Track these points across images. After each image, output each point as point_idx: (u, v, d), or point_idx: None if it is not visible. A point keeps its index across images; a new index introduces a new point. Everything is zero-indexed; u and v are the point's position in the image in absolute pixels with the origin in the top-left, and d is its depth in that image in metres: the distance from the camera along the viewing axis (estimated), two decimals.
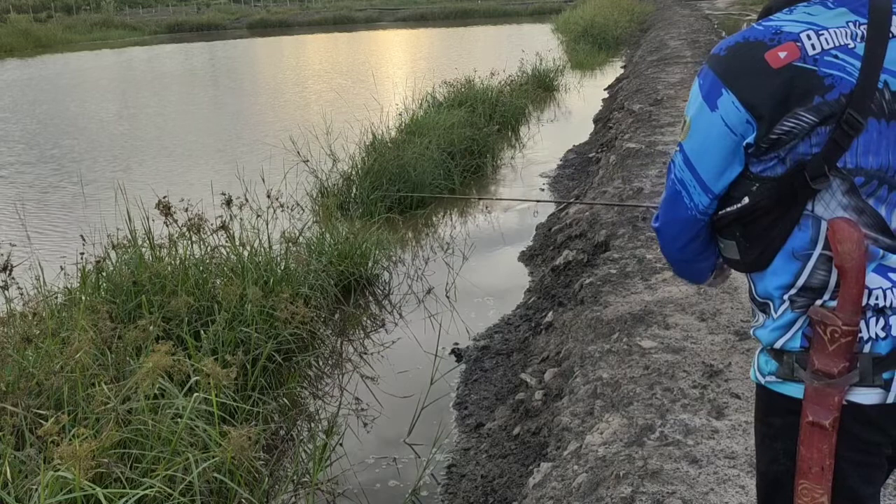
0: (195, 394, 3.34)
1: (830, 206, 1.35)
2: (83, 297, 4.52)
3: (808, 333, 1.38)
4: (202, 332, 4.30)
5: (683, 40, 17.52)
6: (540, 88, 14.85)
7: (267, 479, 3.58)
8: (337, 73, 21.00)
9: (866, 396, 1.35)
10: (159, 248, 5.05)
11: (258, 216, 5.56)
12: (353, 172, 8.06)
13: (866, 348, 1.35)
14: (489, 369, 4.71)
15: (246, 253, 5.20)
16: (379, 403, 4.46)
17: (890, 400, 1.35)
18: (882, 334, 1.35)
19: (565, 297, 5.03)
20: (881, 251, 1.35)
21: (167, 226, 4.99)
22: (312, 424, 4.30)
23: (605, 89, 15.41)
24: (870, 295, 1.35)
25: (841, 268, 1.33)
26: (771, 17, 1.39)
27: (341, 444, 3.99)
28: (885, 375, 1.35)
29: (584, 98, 14.93)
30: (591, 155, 9.74)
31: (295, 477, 3.76)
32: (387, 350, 5.15)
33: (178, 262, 4.90)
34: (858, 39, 1.33)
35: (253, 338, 4.35)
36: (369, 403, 4.47)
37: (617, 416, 3.17)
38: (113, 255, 4.95)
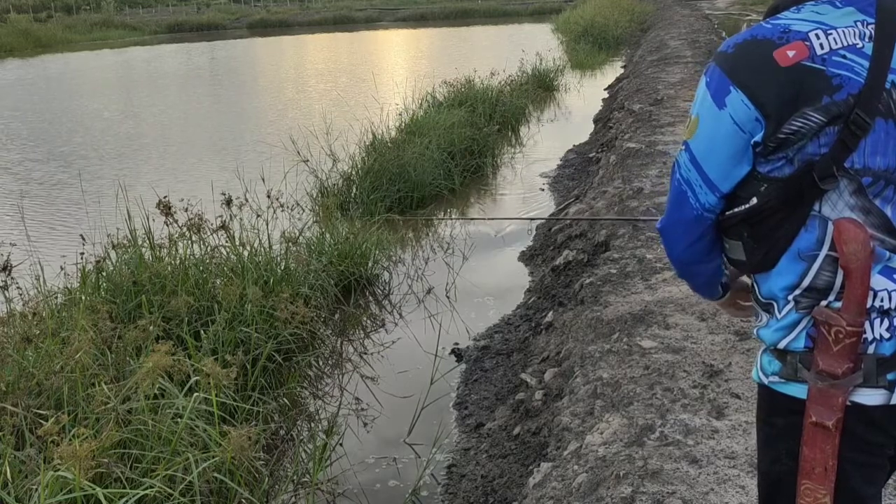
0: (195, 394, 3.34)
1: (838, 206, 1.34)
2: (83, 297, 4.52)
3: (813, 334, 1.38)
4: (202, 332, 4.30)
5: (683, 40, 17.52)
6: (540, 88, 14.85)
7: (267, 479, 3.58)
8: (337, 73, 21.01)
9: (870, 397, 1.35)
10: (159, 247, 5.05)
11: (258, 216, 5.56)
12: (353, 172, 8.06)
13: (871, 349, 1.35)
14: (489, 369, 4.71)
15: (246, 253, 5.20)
16: (379, 403, 4.46)
17: (894, 401, 1.35)
18: (887, 335, 1.35)
19: (565, 297, 5.03)
20: (887, 253, 1.35)
21: (167, 226, 4.99)
22: (312, 424, 4.30)
23: (605, 89, 15.41)
24: (875, 297, 1.34)
25: (846, 268, 1.32)
26: (778, 15, 1.38)
27: (341, 444, 3.99)
28: (890, 376, 1.35)
29: (584, 98, 14.93)
30: (591, 155, 9.74)
31: (295, 477, 3.76)
32: (387, 350, 5.15)
33: (178, 262, 4.90)
34: (867, 39, 1.32)
35: (253, 338, 4.35)
36: (369, 403, 4.47)
37: (617, 416, 3.17)
38: (113, 254, 4.95)
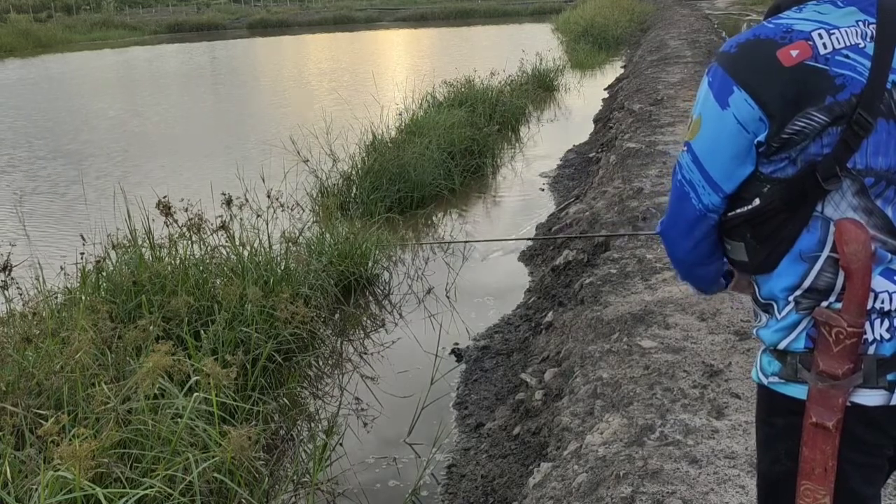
0: (195, 394, 3.34)
1: (840, 207, 1.34)
2: (83, 297, 4.51)
3: (813, 335, 1.38)
4: (202, 332, 4.30)
5: (683, 40, 17.52)
6: (540, 88, 14.85)
7: (267, 479, 3.58)
8: (337, 73, 21.00)
9: (870, 398, 1.35)
10: (159, 247, 5.04)
11: (258, 216, 5.56)
12: (353, 172, 8.06)
13: (871, 350, 1.35)
14: (489, 369, 4.71)
15: (246, 253, 5.20)
16: (379, 403, 4.46)
17: (894, 401, 1.35)
18: (887, 336, 1.35)
19: (565, 297, 5.03)
20: (889, 255, 1.35)
21: (167, 226, 4.99)
22: (312, 424, 4.30)
23: (605, 89, 15.41)
24: (876, 298, 1.34)
25: (847, 269, 1.32)
26: (780, 15, 1.38)
27: (341, 444, 3.99)
28: (890, 377, 1.35)
29: (584, 98, 14.93)
30: (591, 155, 9.74)
31: (295, 477, 3.76)
32: (387, 350, 5.15)
33: (178, 262, 4.90)
34: (868, 39, 1.32)
35: (253, 338, 4.35)
36: (369, 403, 4.47)
37: (617, 416, 3.17)
38: (113, 254, 4.95)
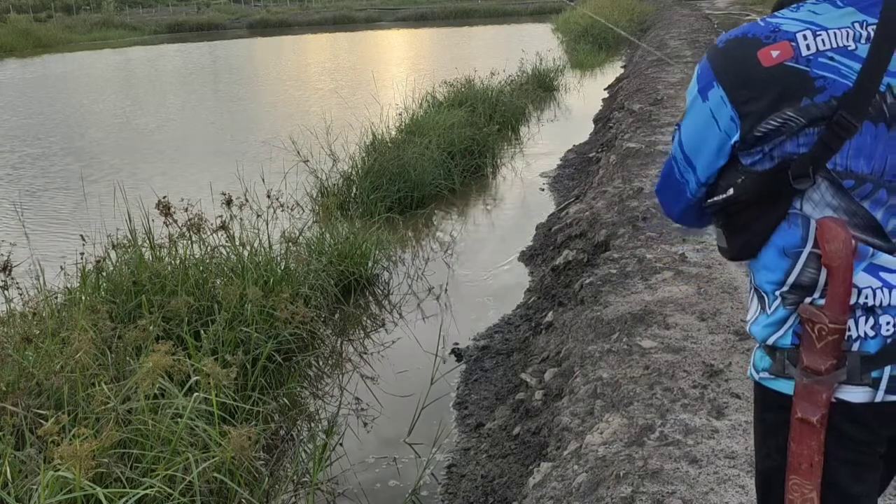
0: (195, 394, 3.34)
1: (819, 206, 1.35)
2: (83, 297, 4.52)
3: (799, 331, 1.39)
4: (202, 332, 4.29)
5: (683, 40, 17.51)
6: (540, 88, 14.85)
7: (267, 479, 3.58)
8: (337, 73, 21.00)
9: (854, 394, 1.36)
10: (159, 247, 5.05)
11: (258, 216, 5.56)
12: (353, 172, 8.07)
13: (855, 346, 1.36)
14: (489, 369, 4.71)
15: (246, 253, 5.20)
16: (379, 403, 4.46)
17: (878, 398, 1.35)
18: (871, 333, 1.36)
19: (565, 296, 5.03)
20: (871, 250, 1.35)
21: (167, 226, 4.99)
22: (312, 424, 4.30)
23: (605, 89, 15.41)
24: (859, 294, 1.35)
25: (828, 267, 1.34)
26: (777, 13, 1.39)
27: (341, 444, 3.99)
28: (874, 374, 1.35)
29: (584, 98, 14.93)
30: (591, 155, 9.74)
31: (295, 477, 3.76)
32: (387, 350, 5.16)
33: (178, 262, 4.90)
34: (862, 41, 1.32)
35: (253, 338, 4.35)
36: (369, 403, 4.47)
37: (617, 416, 3.17)
38: (113, 254, 4.95)
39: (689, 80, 1.49)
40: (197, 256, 5.02)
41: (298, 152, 7.58)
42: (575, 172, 9.34)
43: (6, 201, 9.02)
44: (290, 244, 5.45)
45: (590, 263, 5.33)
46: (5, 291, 4.16)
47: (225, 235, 5.16)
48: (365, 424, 4.27)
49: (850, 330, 1.35)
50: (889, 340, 1.35)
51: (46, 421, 2.93)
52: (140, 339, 3.83)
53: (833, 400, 1.36)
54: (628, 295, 4.38)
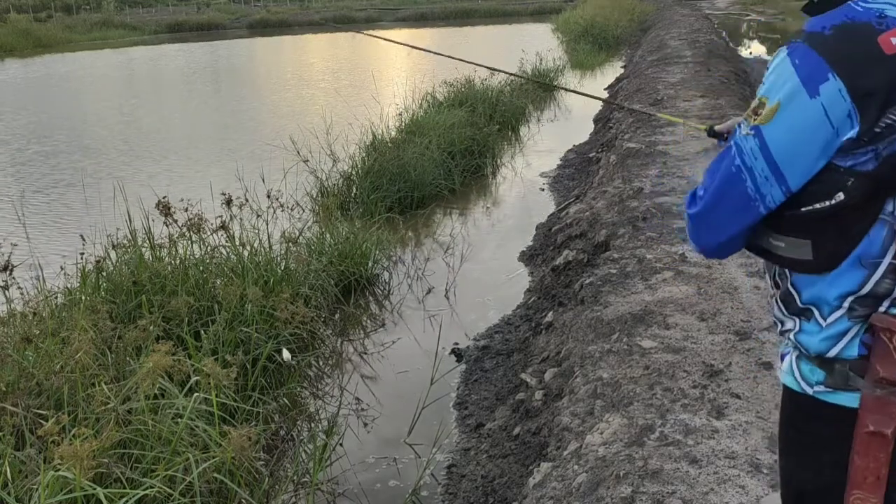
0: (195, 394, 3.34)
1: None
2: (83, 297, 4.52)
3: (867, 341, 1.32)
4: (202, 332, 4.29)
5: (683, 40, 17.52)
6: (540, 88, 14.84)
7: (267, 479, 3.58)
8: (337, 73, 21.00)
9: None
10: (159, 247, 5.05)
11: (258, 216, 5.56)
12: (354, 172, 8.07)
13: None
14: (489, 369, 4.71)
15: (246, 253, 5.20)
16: (379, 403, 4.46)
17: None
18: None
19: (565, 297, 5.03)
20: None
21: (167, 226, 4.99)
22: (312, 424, 4.30)
23: (605, 89, 15.41)
24: None
25: None
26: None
27: (341, 444, 3.99)
28: None
29: (584, 98, 14.91)
30: (591, 155, 9.74)
31: (295, 477, 3.76)
32: (387, 350, 5.16)
33: (178, 262, 4.90)
34: None
35: (253, 338, 4.35)
36: (369, 403, 4.47)
37: (617, 416, 3.17)
38: (113, 254, 4.95)
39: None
40: (197, 256, 5.02)
41: (298, 152, 7.58)
42: (575, 172, 9.34)
43: (6, 199, 9.02)
44: (290, 244, 5.46)
45: (590, 263, 5.33)
46: (5, 291, 4.16)
47: (225, 235, 5.16)
48: (365, 424, 4.27)
49: None
50: None
51: (46, 421, 2.93)
52: (140, 340, 3.83)
53: None
54: (628, 295, 4.38)
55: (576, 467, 2.96)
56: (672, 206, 5.76)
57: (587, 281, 4.83)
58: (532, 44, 19.07)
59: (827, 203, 1.28)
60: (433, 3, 49.08)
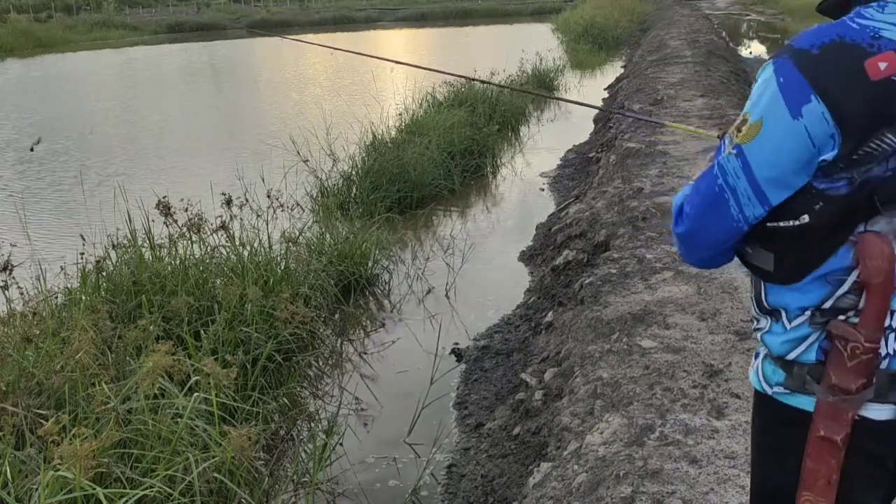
0: (195, 394, 3.34)
1: (885, 231, 1.25)
2: (83, 297, 4.52)
3: (826, 347, 1.33)
4: (202, 331, 4.30)
5: (683, 40, 17.51)
6: (540, 88, 14.84)
7: (267, 479, 3.58)
8: (337, 73, 21.00)
9: (878, 412, 1.32)
10: (159, 248, 5.05)
11: (258, 216, 5.56)
12: (353, 172, 8.07)
13: (884, 364, 1.31)
14: (489, 369, 4.71)
15: (246, 253, 5.20)
16: (379, 403, 4.46)
17: None
18: None
19: (565, 296, 5.03)
20: None
21: (167, 226, 4.99)
22: (312, 424, 4.30)
23: (605, 89, 15.41)
24: (892, 316, 1.29)
25: (867, 283, 1.27)
26: (864, 13, 1.22)
27: (341, 444, 3.99)
28: None
29: (584, 98, 14.91)
30: (591, 155, 9.74)
31: (295, 477, 3.76)
32: (387, 350, 5.16)
33: (178, 262, 4.91)
34: None
35: (253, 338, 4.35)
36: (369, 403, 4.47)
37: (617, 416, 3.17)
38: (113, 254, 4.95)
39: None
40: (197, 256, 5.02)
41: (298, 152, 7.58)
42: (575, 172, 9.34)
43: (7, 199, 9.02)
44: (290, 244, 5.45)
45: (590, 263, 5.33)
46: (5, 291, 4.16)
47: (225, 235, 5.16)
48: (365, 424, 4.27)
49: (880, 348, 1.29)
50: None
51: (46, 421, 2.93)
52: (140, 339, 3.83)
53: (856, 417, 1.31)
54: (628, 295, 4.38)
55: (576, 467, 2.96)
56: (672, 206, 5.75)
57: (587, 281, 4.83)
58: (532, 44, 19.04)
59: (792, 223, 1.28)
60: (433, 3, 49.06)
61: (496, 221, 7.89)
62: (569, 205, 7.49)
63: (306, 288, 5.17)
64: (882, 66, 1.16)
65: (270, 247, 5.40)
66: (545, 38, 24.61)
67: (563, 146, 10.75)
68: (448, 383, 4.58)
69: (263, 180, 6.21)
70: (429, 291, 5.98)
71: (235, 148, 11.36)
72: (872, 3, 1.23)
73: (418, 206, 7.88)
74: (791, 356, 1.36)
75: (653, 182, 6.47)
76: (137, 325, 3.91)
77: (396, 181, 7.88)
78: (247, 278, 4.85)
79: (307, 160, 7.65)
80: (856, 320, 1.30)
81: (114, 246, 4.97)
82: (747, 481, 2.61)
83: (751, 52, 19.99)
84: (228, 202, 5.34)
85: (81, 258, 4.74)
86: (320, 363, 5.05)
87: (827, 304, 1.31)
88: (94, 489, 2.71)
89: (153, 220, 5.19)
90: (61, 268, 4.72)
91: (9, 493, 2.82)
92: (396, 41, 33.58)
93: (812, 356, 1.34)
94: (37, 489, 2.73)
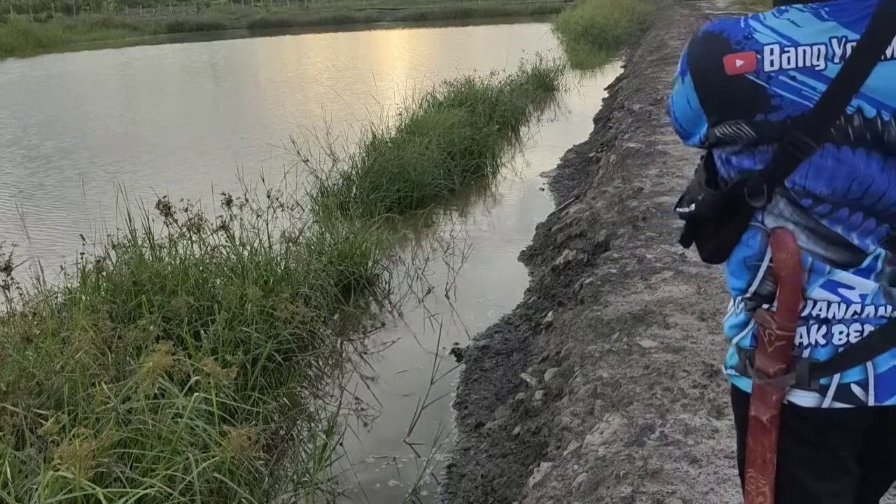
0: (195, 393, 3.34)
1: (779, 220, 1.36)
2: (83, 297, 4.52)
3: (757, 334, 1.43)
4: (202, 331, 4.30)
5: (683, 40, 17.51)
6: (540, 88, 14.85)
7: (267, 478, 3.58)
8: (337, 73, 21.00)
9: (803, 398, 1.39)
10: (159, 247, 5.05)
11: (258, 216, 5.56)
12: (353, 172, 8.06)
13: (805, 353, 1.39)
14: (489, 369, 4.71)
15: (246, 253, 5.20)
16: (379, 403, 4.46)
17: (825, 405, 1.37)
18: (822, 342, 1.37)
19: (565, 296, 5.03)
20: (827, 267, 1.35)
21: (167, 226, 4.99)
22: (312, 424, 4.30)
23: (605, 89, 15.41)
24: (814, 305, 1.37)
25: (777, 275, 1.37)
26: (761, 14, 1.35)
27: (341, 444, 3.99)
28: (823, 381, 1.37)
29: (584, 98, 14.92)
30: (591, 154, 9.74)
31: (295, 477, 3.76)
32: (387, 350, 5.16)
33: (178, 262, 4.91)
34: (834, 60, 1.26)
35: (253, 338, 4.35)
36: (369, 403, 4.47)
37: (617, 416, 3.17)
38: (113, 254, 4.95)
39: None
40: (197, 256, 5.02)
41: (298, 152, 7.58)
42: (575, 172, 9.34)
43: (7, 199, 9.02)
44: (290, 244, 5.45)
45: (590, 263, 5.33)
46: (5, 291, 4.16)
47: (225, 235, 5.16)
48: (365, 424, 4.27)
49: (801, 337, 1.38)
50: (840, 349, 1.36)
51: (46, 421, 2.93)
52: (140, 339, 3.83)
53: (785, 402, 1.40)
54: (628, 295, 4.38)
55: (576, 467, 2.96)
56: (672, 206, 5.76)
57: (587, 280, 4.83)
58: (532, 44, 19.05)
59: (685, 210, 1.48)
60: (433, 3, 49.06)
61: (496, 221, 7.89)
62: (569, 205, 7.49)
63: (306, 288, 5.17)
64: (738, 63, 1.31)
65: (270, 247, 5.40)
66: (545, 37, 24.61)
67: (563, 146, 10.75)
68: (448, 383, 4.58)
69: (263, 180, 6.21)
70: (429, 291, 5.98)
71: (236, 148, 11.37)
72: (782, 6, 1.33)
73: (418, 206, 7.87)
74: (735, 340, 1.48)
75: (653, 182, 6.47)
76: (137, 325, 3.91)
77: (396, 181, 7.88)
78: (247, 278, 4.85)
79: (307, 160, 7.65)
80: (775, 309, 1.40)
81: (114, 246, 4.97)
82: None
83: None
84: (228, 202, 5.34)
85: (81, 258, 4.74)
86: (320, 363, 5.05)
87: (751, 290, 1.43)
88: (94, 489, 2.71)
89: (153, 220, 5.20)
90: (61, 268, 4.73)
91: (9, 493, 2.82)
92: (396, 41, 33.58)
93: (748, 342, 1.45)
94: (37, 489, 2.73)
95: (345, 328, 5.58)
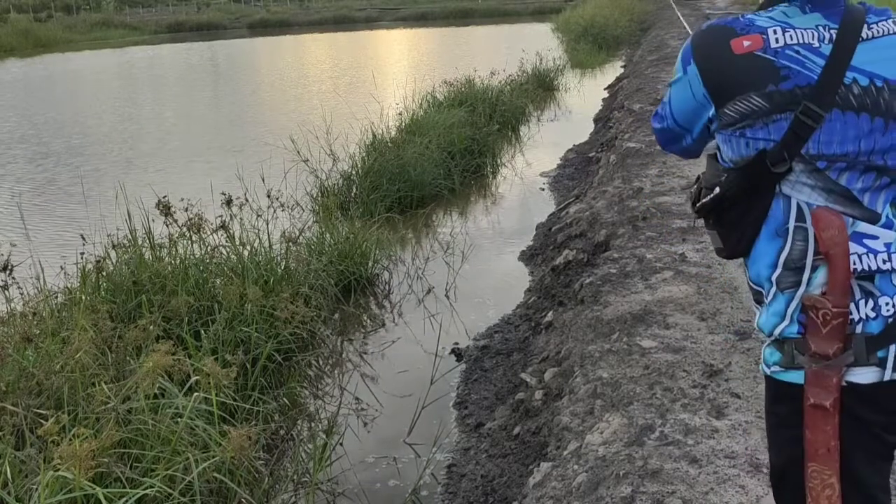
0: (195, 393, 3.34)
1: (796, 185, 1.44)
2: (83, 297, 4.51)
3: (803, 320, 1.45)
4: (202, 331, 4.29)
5: (683, 40, 17.51)
6: (540, 88, 14.84)
7: (267, 478, 3.58)
8: (337, 73, 21.00)
9: (863, 376, 1.41)
10: (159, 247, 5.04)
11: (258, 216, 5.56)
12: (353, 172, 8.06)
13: (858, 329, 1.42)
14: (489, 369, 4.71)
15: (246, 253, 5.20)
16: (379, 403, 4.46)
17: (886, 377, 1.40)
18: (872, 314, 1.42)
19: (565, 296, 5.03)
20: (850, 220, 1.43)
21: (167, 225, 4.99)
22: (312, 424, 4.30)
23: (605, 89, 15.41)
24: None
25: (826, 254, 1.40)
26: (758, 12, 1.51)
27: (341, 444, 3.99)
28: (880, 354, 1.41)
29: (584, 98, 14.92)
30: (591, 154, 9.74)
31: (295, 477, 3.76)
32: (387, 350, 5.15)
33: (178, 262, 4.90)
34: (826, 42, 1.42)
35: (253, 337, 4.35)
36: (369, 403, 4.47)
37: (617, 416, 3.17)
38: (113, 254, 4.95)
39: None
40: (197, 256, 5.02)
41: (298, 152, 7.58)
42: (575, 172, 9.34)
43: (6, 201, 9.02)
44: (290, 244, 5.45)
45: (590, 263, 5.33)
46: (5, 291, 4.16)
47: (225, 235, 5.16)
48: (365, 424, 4.27)
49: (852, 313, 1.41)
50: (891, 320, 1.41)
51: (46, 421, 2.93)
52: (140, 339, 3.83)
53: (843, 384, 1.40)
54: (628, 295, 4.38)
55: (576, 467, 2.96)
56: (672, 206, 5.76)
57: (587, 280, 4.83)
58: (532, 44, 19.05)
59: (709, 198, 1.54)
60: (433, 3, 49.05)
61: (496, 221, 7.89)
62: (569, 204, 7.49)
63: (306, 288, 5.17)
64: (746, 43, 1.44)
65: (270, 247, 5.40)
66: (545, 37, 24.61)
67: (563, 146, 10.74)
68: (448, 383, 4.58)
69: (263, 180, 6.21)
70: (429, 291, 5.98)
71: (236, 147, 11.37)
72: (769, 7, 1.50)
73: (418, 206, 7.87)
74: (778, 331, 1.49)
75: (653, 182, 6.47)
76: (137, 325, 3.91)
77: (396, 181, 7.87)
78: (247, 278, 4.85)
79: (307, 160, 7.64)
80: (816, 292, 1.43)
81: (114, 246, 4.97)
82: (747, 481, 2.61)
83: None
84: (228, 202, 5.34)
85: (81, 258, 4.74)
86: (320, 363, 5.05)
87: (783, 256, 1.46)
88: (94, 489, 2.71)
89: (153, 220, 5.19)
90: (61, 268, 4.72)
91: (9, 493, 2.82)
92: (396, 41, 33.57)
93: (795, 329, 1.47)
94: (37, 489, 2.73)
95: (345, 328, 5.58)
